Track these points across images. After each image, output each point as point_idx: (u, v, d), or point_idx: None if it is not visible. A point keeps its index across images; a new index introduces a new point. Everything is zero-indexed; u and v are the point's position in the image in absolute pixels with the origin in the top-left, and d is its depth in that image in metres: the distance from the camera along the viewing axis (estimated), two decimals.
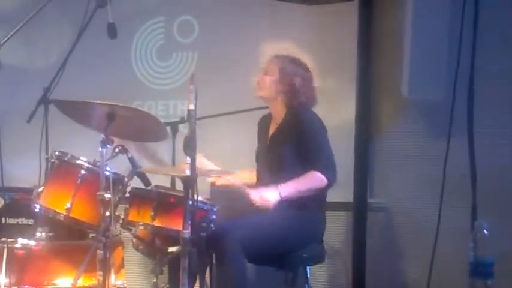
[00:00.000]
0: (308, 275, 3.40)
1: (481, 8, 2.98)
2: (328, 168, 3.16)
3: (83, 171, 3.17)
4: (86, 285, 3.25)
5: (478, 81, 3.02)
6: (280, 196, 3.10)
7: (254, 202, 3.11)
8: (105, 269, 2.94)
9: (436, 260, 3.06)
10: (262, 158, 3.41)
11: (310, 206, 3.22)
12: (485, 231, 2.50)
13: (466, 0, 3.01)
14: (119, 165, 3.17)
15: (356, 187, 3.75)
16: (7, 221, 3.61)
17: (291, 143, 3.23)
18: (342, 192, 3.36)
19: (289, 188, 3.12)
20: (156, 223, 3.06)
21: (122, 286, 3.48)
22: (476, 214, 2.89)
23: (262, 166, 3.41)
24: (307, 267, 3.40)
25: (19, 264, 3.27)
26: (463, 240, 2.68)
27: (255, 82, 3.42)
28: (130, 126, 3.13)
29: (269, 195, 3.10)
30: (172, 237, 2.98)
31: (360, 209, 3.77)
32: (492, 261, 2.48)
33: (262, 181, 3.35)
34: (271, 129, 3.40)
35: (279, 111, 3.36)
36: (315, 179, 3.14)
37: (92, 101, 2.97)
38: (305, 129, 3.21)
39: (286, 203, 3.14)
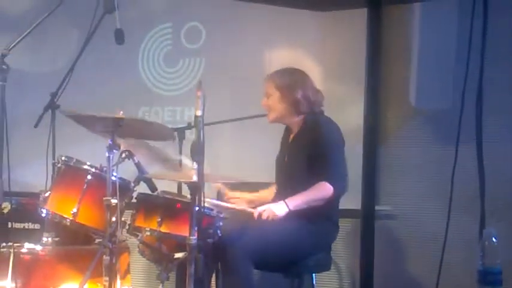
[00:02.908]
0: (314, 283, 3.39)
1: (490, 17, 2.96)
2: (338, 179, 3.17)
3: (89, 177, 3.17)
4: None
5: (486, 89, 3.01)
6: (289, 209, 3.11)
7: (262, 217, 3.11)
8: (111, 275, 2.93)
9: (444, 268, 3.04)
10: (279, 164, 3.42)
11: (319, 216, 3.21)
12: (494, 240, 2.48)
13: (474, 9, 3.00)
14: (125, 171, 3.17)
15: (364, 195, 3.75)
16: (13, 226, 3.60)
17: (307, 151, 3.23)
18: (350, 200, 3.36)
19: (297, 201, 3.13)
20: (163, 229, 3.05)
21: None
22: (484, 222, 2.86)
23: (278, 172, 3.42)
24: (313, 274, 3.39)
25: (25, 269, 3.27)
26: (471, 248, 2.67)
27: (262, 89, 3.41)
28: (137, 131, 3.14)
29: (276, 209, 3.11)
30: (179, 243, 2.97)
31: (367, 217, 3.76)
32: (501, 269, 2.47)
33: (278, 190, 3.37)
34: (291, 136, 3.40)
35: (295, 123, 3.36)
36: (322, 190, 3.14)
37: (98, 115, 2.96)
38: (321, 139, 3.21)
39: (295, 214, 3.14)
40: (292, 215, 3.13)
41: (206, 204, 3.05)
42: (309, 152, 3.22)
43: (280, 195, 3.25)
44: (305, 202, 3.13)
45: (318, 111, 3.32)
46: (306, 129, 3.29)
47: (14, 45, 2.99)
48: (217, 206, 3.25)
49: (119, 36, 3.35)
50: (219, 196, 3.52)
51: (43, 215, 3.23)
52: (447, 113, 3.59)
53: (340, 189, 3.19)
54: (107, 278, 2.92)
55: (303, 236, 3.17)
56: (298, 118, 3.33)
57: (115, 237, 2.96)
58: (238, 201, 3.43)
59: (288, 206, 3.11)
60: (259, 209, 3.15)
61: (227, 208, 3.29)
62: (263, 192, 3.49)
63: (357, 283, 3.82)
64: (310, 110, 3.29)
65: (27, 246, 3.34)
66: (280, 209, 3.11)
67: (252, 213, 3.17)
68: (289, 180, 3.29)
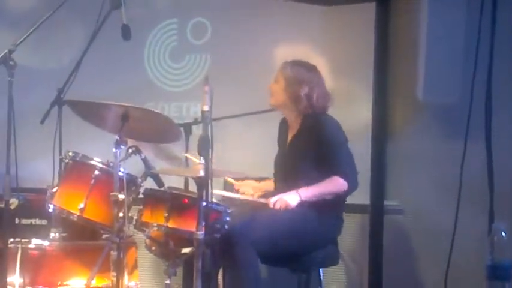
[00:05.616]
0: (321, 277, 3.39)
1: (499, 11, 2.95)
2: (349, 175, 3.17)
3: (96, 172, 3.17)
4: (100, 285, 3.26)
5: (495, 83, 3.00)
6: (301, 198, 3.12)
7: (275, 208, 3.11)
8: (119, 270, 2.94)
9: (453, 262, 3.04)
10: (279, 163, 3.40)
11: (326, 209, 3.20)
12: (503, 234, 2.47)
13: (483, 2, 2.98)
14: (132, 166, 3.17)
15: (373, 190, 3.74)
16: (21, 222, 3.62)
17: (310, 150, 3.23)
18: (358, 195, 3.35)
19: (310, 192, 3.13)
20: (170, 224, 3.05)
21: (135, 287, 3.48)
22: (493, 217, 2.86)
23: (279, 172, 3.40)
24: (321, 269, 3.38)
25: (33, 265, 3.29)
26: (480, 242, 2.66)
27: (268, 84, 3.41)
28: (144, 128, 3.12)
29: (289, 199, 3.12)
30: (186, 239, 2.97)
31: (376, 212, 3.75)
32: (510, 264, 2.46)
33: (278, 188, 3.35)
34: (289, 135, 3.39)
35: (292, 118, 3.36)
36: (336, 184, 3.15)
37: (105, 102, 2.97)
38: (325, 137, 3.21)
39: (303, 206, 3.13)
40: (299, 207, 3.13)
41: (217, 197, 3.04)
42: (314, 150, 3.20)
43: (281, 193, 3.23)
44: (318, 194, 3.14)
45: (319, 111, 3.30)
46: (308, 128, 3.27)
47: (21, 42, 2.98)
48: (229, 198, 3.24)
49: (125, 32, 3.33)
50: (226, 187, 3.52)
51: (50, 210, 3.23)
52: (456, 107, 3.58)
53: (353, 185, 3.19)
54: (115, 273, 2.92)
55: (310, 229, 3.16)
56: (296, 114, 3.31)
57: (122, 233, 2.96)
58: (247, 188, 3.42)
59: (300, 196, 3.11)
60: (272, 199, 3.15)
61: (239, 200, 3.28)
62: (267, 182, 3.48)
63: (365, 278, 3.81)
64: (310, 111, 3.27)
65: (35, 242, 3.35)
66: (292, 198, 3.12)
67: (265, 204, 3.15)
68: (292, 179, 3.26)
